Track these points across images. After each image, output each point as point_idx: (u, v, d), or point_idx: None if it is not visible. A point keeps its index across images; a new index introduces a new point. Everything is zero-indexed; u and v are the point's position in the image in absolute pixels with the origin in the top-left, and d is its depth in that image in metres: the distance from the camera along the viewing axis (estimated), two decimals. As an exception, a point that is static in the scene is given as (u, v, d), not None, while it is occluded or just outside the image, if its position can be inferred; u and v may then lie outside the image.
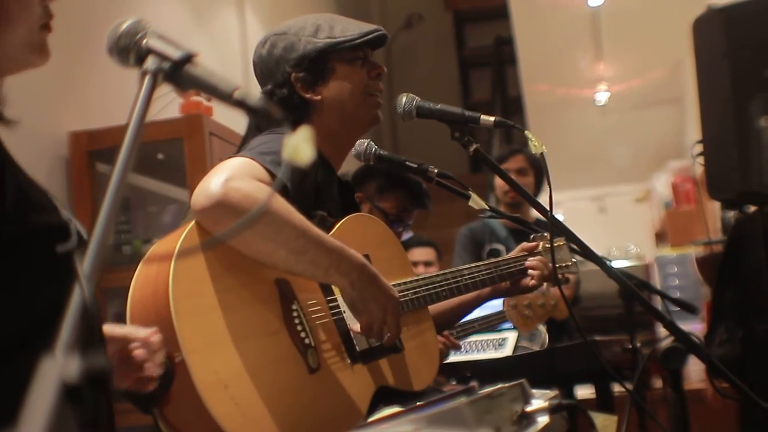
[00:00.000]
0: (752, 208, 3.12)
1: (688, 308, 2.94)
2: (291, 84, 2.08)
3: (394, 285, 2.00)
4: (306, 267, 1.76)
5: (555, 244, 2.39)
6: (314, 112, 2.09)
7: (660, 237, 8.30)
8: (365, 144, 2.43)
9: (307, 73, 2.08)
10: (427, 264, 4.77)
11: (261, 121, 2.01)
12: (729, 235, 3.39)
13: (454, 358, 3.09)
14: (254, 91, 1.71)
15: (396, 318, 1.89)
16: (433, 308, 2.28)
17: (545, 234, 2.52)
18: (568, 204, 8.74)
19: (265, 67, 2.12)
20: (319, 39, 2.08)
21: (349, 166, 2.51)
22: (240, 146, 2.15)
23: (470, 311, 2.61)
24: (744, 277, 3.08)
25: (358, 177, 3.41)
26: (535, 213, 4.32)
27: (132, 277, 1.66)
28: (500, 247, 4.34)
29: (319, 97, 2.09)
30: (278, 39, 2.12)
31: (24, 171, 1.33)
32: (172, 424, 1.60)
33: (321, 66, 2.08)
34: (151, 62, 1.25)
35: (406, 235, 3.42)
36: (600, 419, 2.62)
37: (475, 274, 2.34)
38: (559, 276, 2.39)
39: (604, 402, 3.31)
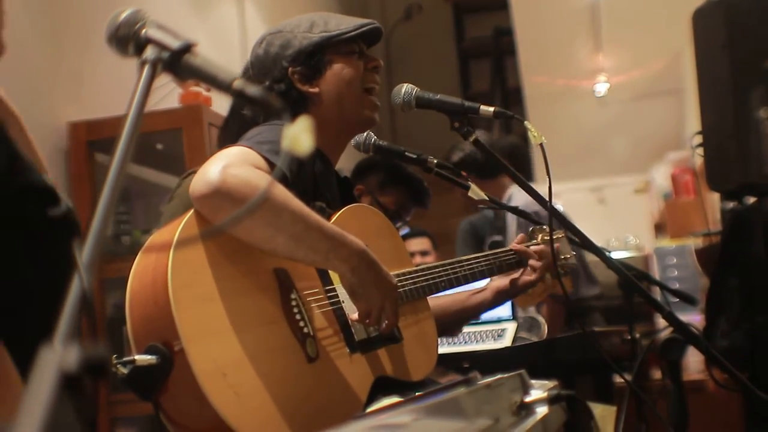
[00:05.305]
0: (752, 200, 3.12)
1: (687, 299, 2.94)
2: (288, 79, 2.10)
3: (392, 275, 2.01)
4: (306, 253, 1.76)
5: (555, 237, 2.40)
6: (312, 105, 2.11)
7: (659, 228, 8.30)
8: (364, 134, 2.43)
9: (304, 67, 2.10)
10: (424, 253, 4.78)
11: (259, 111, 2.02)
12: (726, 227, 3.39)
13: (452, 348, 3.09)
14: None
15: (394, 305, 1.90)
16: (434, 310, 2.29)
17: (545, 227, 2.52)
18: (567, 195, 8.72)
19: (263, 66, 2.14)
20: (314, 34, 2.12)
21: (348, 159, 2.51)
22: (221, 134, 2.16)
23: (474, 316, 2.60)
24: (745, 269, 3.08)
25: (361, 169, 3.41)
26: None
27: (131, 267, 1.66)
28: (501, 238, 4.34)
29: (316, 90, 2.10)
30: (274, 38, 2.15)
31: (11, 138, 1.33)
32: (171, 413, 1.61)
33: (317, 59, 2.11)
34: (150, 52, 1.25)
35: (402, 231, 3.42)
36: (599, 410, 2.62)
37: (473, 265, 2.34)
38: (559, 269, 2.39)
39: (603, 393, 3.31)
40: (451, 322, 2.53)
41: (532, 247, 2.46)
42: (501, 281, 2.45)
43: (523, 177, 2.32)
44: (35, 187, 1.30)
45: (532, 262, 2.42)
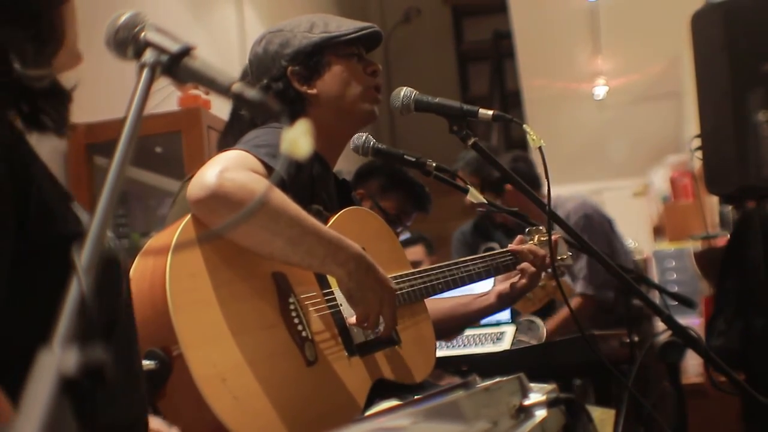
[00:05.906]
0: (751, 203, 3.12)
1: (686, 302, 2.94)
2: (287, 78, 2.10)
3: (390, 278, 2.00)
4: (302, 257, 1.76)
5: (552, 237, 2.39)
6: (310, 106, 2.10)
7: (658, 231, 8.30)
8: (363, 137, 2.42)
9: (303, 67, 2.10)
10: (415, 264, 4.76)
11: (258, 114, 2.01)
12: (733, 229, 3.39)
13: (451, 351, 3.09)
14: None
15: (392, 309, 1.89)
16: (436, 314, 2.28)
17: (541, 227, 2.52)
18: (566, 198, 8.70)
19: (261, 64, 2.14)
20: (313, 34, 2.11)
21: (347, 161, 2.51)
22: (222, 136, 2.15)
23: (478, 320, 2.60)
24: (744, 271, 3.08)
25: (362, 173, 3.41)
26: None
27: (129, 271, 1.66)
28: (494, 245, 4.34)
29: (314, 91, 2.10)
30: (274, 36, 2.14)
31: (51, 176, 1.32)
32: (170, 417, 1.60)
33: (316, 60, 2.10)
34: (149, 55, 1.25)
35: (403, 237, 3.41)
36: (598, 413, 2.62)
37: (470, 267, 2.34)
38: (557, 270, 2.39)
39: (602, 396, 3.31)
40: (455, 326, 2.53)
41: (531, 248, 2.45)
42: (503, 285, 2.45)
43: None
44: (64, 239, 1.29)
45: (524, 264, 2.41)
